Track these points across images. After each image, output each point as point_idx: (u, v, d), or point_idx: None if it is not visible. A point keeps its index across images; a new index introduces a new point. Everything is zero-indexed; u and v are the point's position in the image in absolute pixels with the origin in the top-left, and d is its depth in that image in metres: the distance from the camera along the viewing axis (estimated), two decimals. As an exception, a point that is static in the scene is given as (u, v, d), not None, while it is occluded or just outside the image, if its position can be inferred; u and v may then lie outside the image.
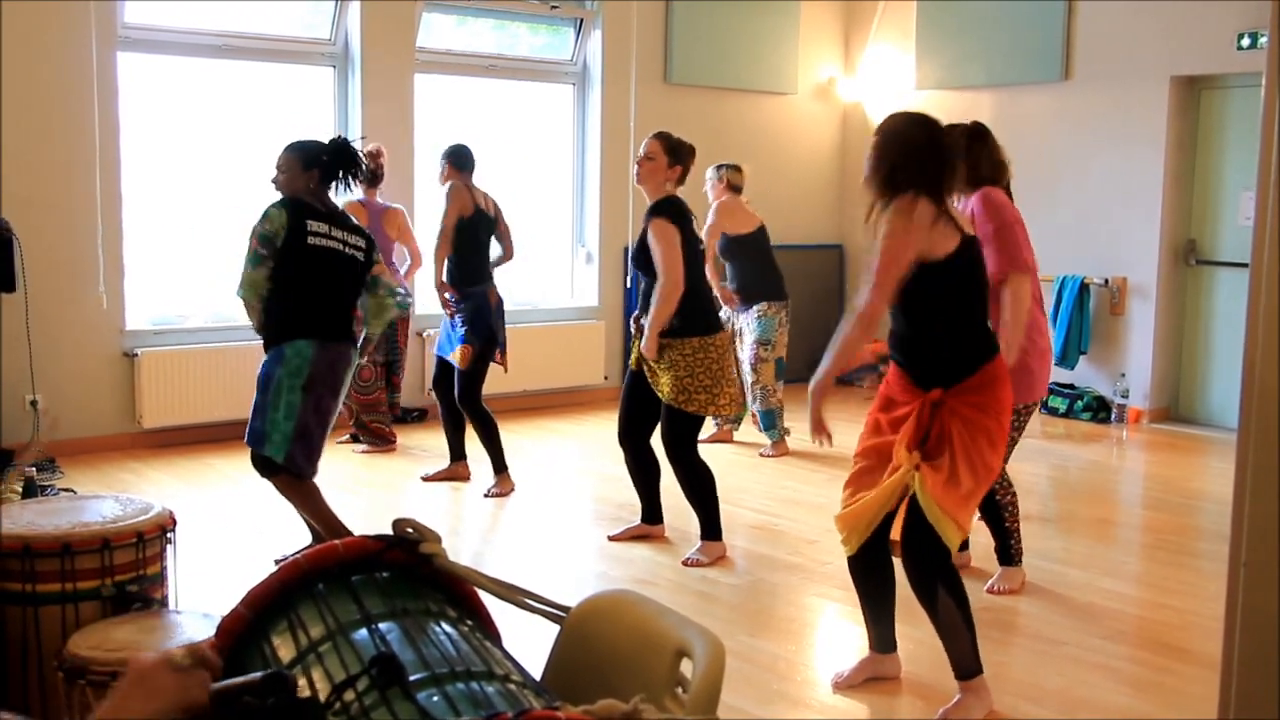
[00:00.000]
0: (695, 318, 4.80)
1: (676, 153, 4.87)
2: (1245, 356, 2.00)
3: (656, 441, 5.01)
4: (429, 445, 6.86)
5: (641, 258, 4.84)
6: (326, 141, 4.59)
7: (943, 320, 3.40)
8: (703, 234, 6.58)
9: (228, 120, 7.20)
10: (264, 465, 4.51)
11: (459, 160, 5.96)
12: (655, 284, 4.78)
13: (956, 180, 3.74)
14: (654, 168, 4.85)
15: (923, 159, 3.36)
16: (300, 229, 4.37)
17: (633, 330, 5.00)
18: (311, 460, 4.48)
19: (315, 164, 4.50)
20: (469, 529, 5.54)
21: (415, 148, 7.57)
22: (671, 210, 4.82)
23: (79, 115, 6.42)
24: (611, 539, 5.20)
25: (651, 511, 5.21)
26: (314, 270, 4.43)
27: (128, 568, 3.01)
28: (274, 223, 4.38)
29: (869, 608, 3.71)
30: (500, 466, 5.95)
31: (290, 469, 4.44)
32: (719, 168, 6.91)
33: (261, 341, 4.53)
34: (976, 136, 4.47)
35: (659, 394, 4.82)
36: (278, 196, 4.50)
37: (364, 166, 4.65)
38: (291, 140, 4.61)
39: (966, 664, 3.49)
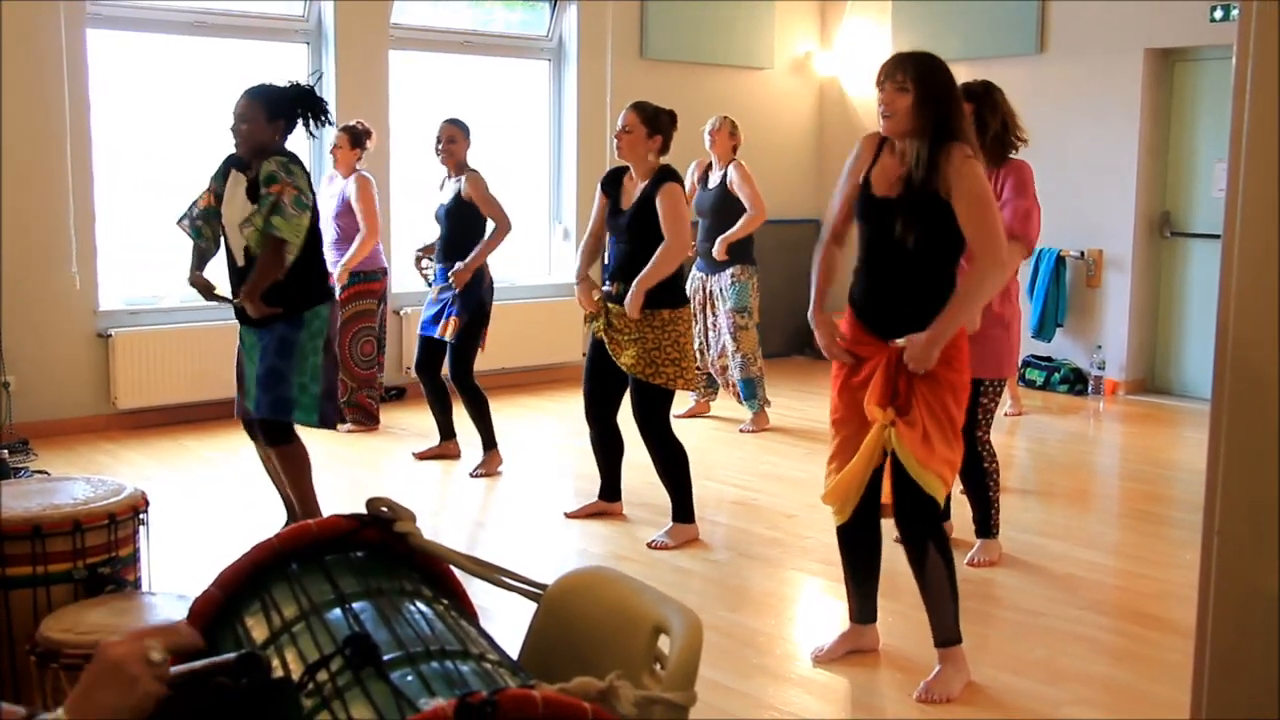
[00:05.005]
0: (672, 289, 4.77)
1: (654, 122, 4.78)
2: (1218, 327, 2.00)
3: (622, 419, 5.00)
4: (410, 424, 6.83)
5: (634, 222, 4.74)
6: (288, 86, 4.39)
7: (954, 261, 3.39)
8: (742, 198, 6.53)
9: (200, 98, 7.12)
10: (277, 433, 4.43)
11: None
12: (636, 249, 4.71)
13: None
14: (633, 140, 4.77)
15: (961, 104, 3.39)
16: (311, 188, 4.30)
17: (596, 298, 4.88)
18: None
19: (282, 113, 4.33)
20: (448, 507, 5.52)
21: (390, 125, 7.51)
22: (679, 178, 4.81)
23: (48, 93, 6.33)
24: (569, 516, 5.19)
25: (611, 488, 5.19)
26: (316, 230, 4.37)
27: (100, 550, 2.98)
28: (303, 176, 4.25)
29: (854, 576, 3.70)
30: (490, 444, 5.92)
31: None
32: (725, 118, 6.69)
33: (274, 306, 4.26)
34: (988, 95, 4.52)
35: (621, 365, 4.76)
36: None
37: (329, 112, 4.50)
38: (251, 85, 4.37)
39: (947, 631, 3.50)
